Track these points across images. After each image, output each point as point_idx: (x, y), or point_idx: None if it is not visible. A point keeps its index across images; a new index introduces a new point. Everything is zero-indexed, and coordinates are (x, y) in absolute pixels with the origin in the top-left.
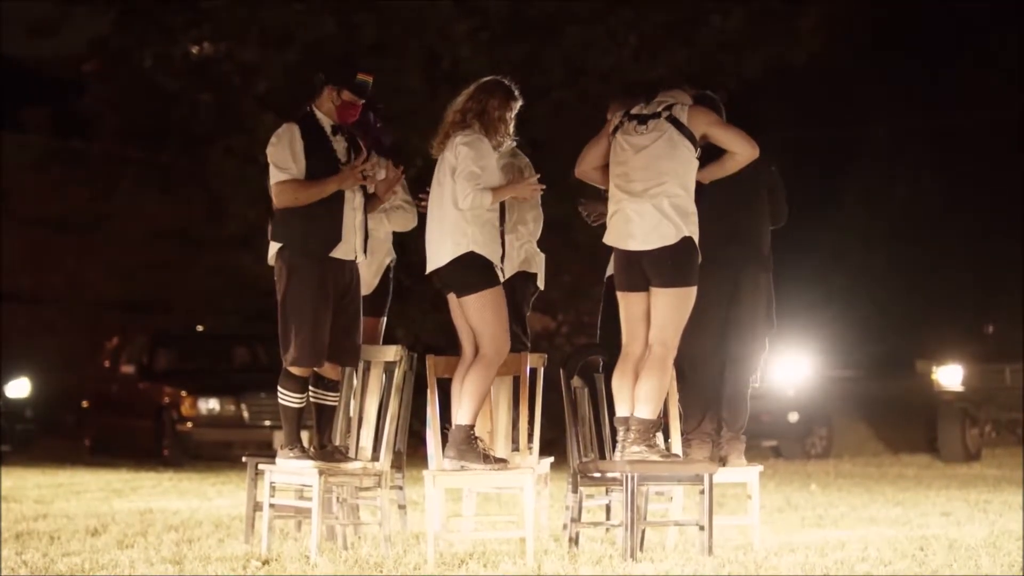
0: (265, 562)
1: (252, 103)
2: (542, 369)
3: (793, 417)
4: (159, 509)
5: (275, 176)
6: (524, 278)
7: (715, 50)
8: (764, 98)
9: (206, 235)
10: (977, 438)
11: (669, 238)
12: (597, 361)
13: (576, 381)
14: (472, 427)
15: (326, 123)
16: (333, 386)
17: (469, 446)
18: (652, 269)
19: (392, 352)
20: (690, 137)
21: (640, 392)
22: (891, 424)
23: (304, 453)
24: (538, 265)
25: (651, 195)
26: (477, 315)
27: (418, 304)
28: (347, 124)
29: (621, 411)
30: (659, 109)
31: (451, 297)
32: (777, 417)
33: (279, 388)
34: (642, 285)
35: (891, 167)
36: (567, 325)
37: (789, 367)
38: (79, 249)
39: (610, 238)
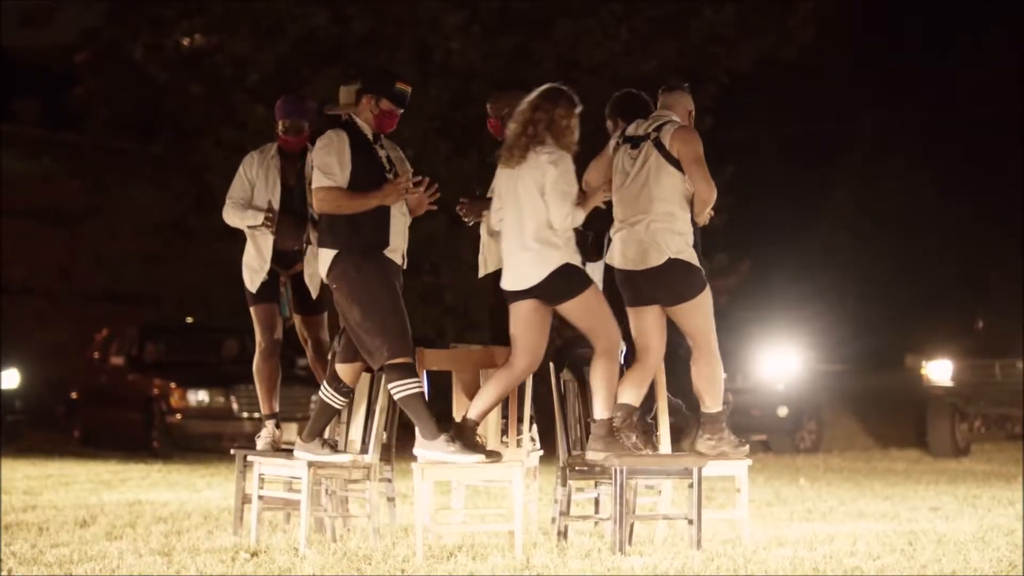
0: (254, 554)
1: (243, 95)
2: None
3: (782, 411)
4: (148, 501)
5: (319, 180)
6: None
7: (706, 44)
8: (755, 92)
9: (196, 227)
10: (966, 433)
11: (655, 260)
12: (586, 355)
13: (565, 375)
14: (612, 419)
15: (367, 131)
16: (346, 392)
17: (614, 437)
18: (654, 290)
19: None
20: (675, 162)
21: (702, 386)
22: (880, 418)
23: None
24: None
25: (633, 223)
26: (586, 315)
27: (407, 297)
28: (385, 133)
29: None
30: (650, 130)
31: (519, 306)
32: (766, 411)
33: (392, 384)
34: (646, 299)
35: (882, 162)
36: (556, 319)
37: (779, 361)
38: (69, 240)
39: (608, 257)
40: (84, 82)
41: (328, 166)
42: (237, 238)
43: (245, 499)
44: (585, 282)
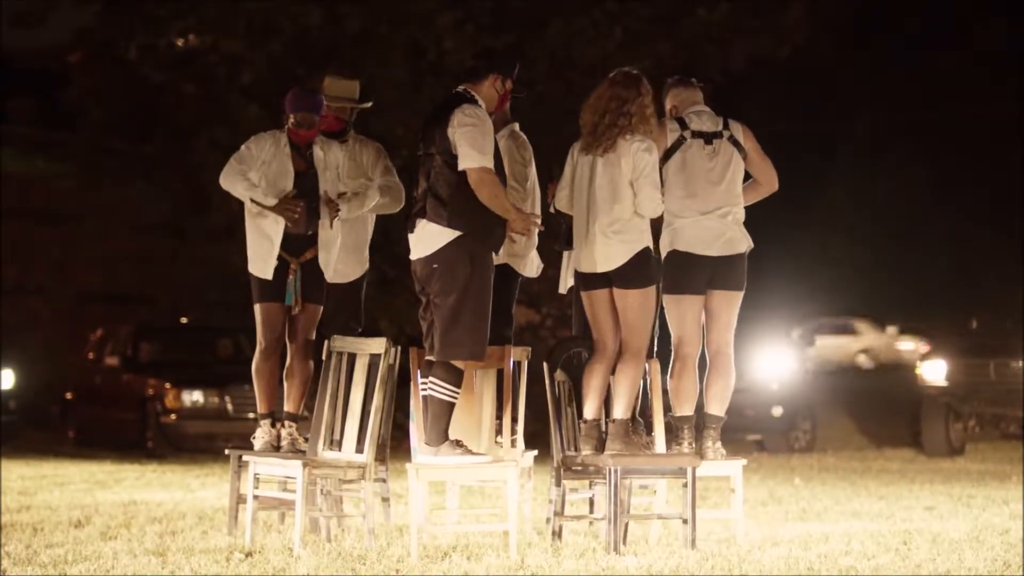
0: (248, 554)
1: (237, 94)
2: (526, 362)
3: (777, 411)
4: (142, 501)
5: (478, 160)
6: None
7: (700, 42)
8: (749, 91)
9: (190, 227)
10: (961, 432)
11: (740, 248)
12: (580, 355)
13: (560, 375)
14: (630, 420)
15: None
16: (458, 379)
17: (630, 438)
18: (722, 274)
19: (378, 345)
20: (744, 156)
21: (715, 391)
22: (875, 418)
23: (461, 446)
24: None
25: (723, 213)
26: (640, 309)
27: (402, 295)
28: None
29: (684, 411)
30: (720, 128)
31: (600, 296)
32: (761, 411)
33: (438, 381)
34: (702, 289)
35: (876, 161)
36: (551, 318)
37: (773, 361)
38: (64, 240)
39: (680, 244)
40: (78, 82)
41: (484, 147)
42: (232, 238)
43: (240, 499)
44: (653, 277)
